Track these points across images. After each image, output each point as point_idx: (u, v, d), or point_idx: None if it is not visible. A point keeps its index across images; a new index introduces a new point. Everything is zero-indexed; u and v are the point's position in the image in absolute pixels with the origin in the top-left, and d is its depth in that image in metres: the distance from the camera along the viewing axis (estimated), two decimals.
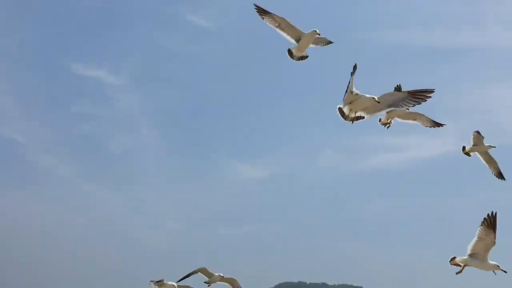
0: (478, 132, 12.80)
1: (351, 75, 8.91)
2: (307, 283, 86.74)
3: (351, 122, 9.42)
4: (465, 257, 10.07)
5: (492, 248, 9.84)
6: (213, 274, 13.05)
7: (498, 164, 13.07)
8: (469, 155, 13.13)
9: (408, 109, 10.45)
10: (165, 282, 12.62)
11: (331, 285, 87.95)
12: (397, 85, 10.47)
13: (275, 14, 10.95)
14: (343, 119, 9.42)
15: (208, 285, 13.11)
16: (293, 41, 11.18)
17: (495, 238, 9.76)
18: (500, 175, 13.15)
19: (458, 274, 10.12)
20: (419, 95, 8.73)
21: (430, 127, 11.91)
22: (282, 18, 10.98)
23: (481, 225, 9.81)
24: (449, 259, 10.33)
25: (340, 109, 9.43)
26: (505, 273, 9.95)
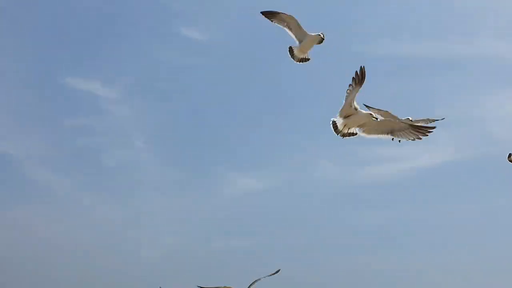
0: None
1: (355, 84, 8.23)
2: None
3: (342, 137, 8.97)
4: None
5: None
6: None
7: None
8: None
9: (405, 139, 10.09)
10: None
11: None
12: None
13: (283, 13, 10.61)
14: (335, 133, 8.95)
15: None
16: (297, 41, 10.87)
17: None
18: None
19: None
20: (421, 130, 8.41)
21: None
22: (291, 17, 10.64)
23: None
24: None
25: (333, 123, 8.93)
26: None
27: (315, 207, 22.79)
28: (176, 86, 26.22)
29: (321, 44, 10.78)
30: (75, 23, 25.58)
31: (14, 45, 24.62)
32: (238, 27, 25.59)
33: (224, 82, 25.92)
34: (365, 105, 9.55)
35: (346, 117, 8.75)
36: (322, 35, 10.64)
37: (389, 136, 8.74)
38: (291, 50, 10.90)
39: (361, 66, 8.10)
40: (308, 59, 11.02)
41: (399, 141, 9.46)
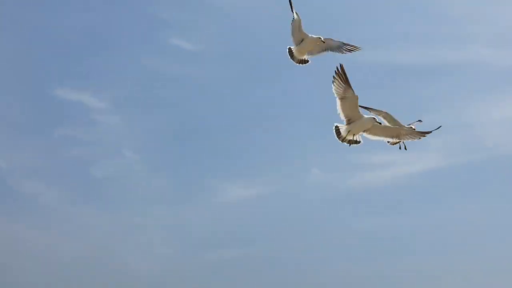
0: None
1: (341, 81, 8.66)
2: None
3: (347, 144, 9.02)
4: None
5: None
6: None
7: None
8: None
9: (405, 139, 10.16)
10: None
11: None
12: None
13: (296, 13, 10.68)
14: (337, 138, 8.97)
15: None
16: (296, 42, 10.81)
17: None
18: None
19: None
20: (423, 134, 9.08)
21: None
22: (297, 19, 10.66)
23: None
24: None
25: (336, 129, 8.96)
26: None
27: (308, 215, 22.64)
28: (166, 96, 26.04)
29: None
30: (64, 34, 25.33)
31: (2, 55, 24.31)
32: (229, 36, 25.56)
33: (215, 92, 25.82)
34: (361, 106, 9.46)
35: (349, 123, 8.84)
36: (322, 39, 10.60)
37: (395, 140, 9.20)
38: (290, 51, 10.84)
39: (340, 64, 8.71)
40: (307, 61, 10.96)
41: (405, 148, 9.53)
